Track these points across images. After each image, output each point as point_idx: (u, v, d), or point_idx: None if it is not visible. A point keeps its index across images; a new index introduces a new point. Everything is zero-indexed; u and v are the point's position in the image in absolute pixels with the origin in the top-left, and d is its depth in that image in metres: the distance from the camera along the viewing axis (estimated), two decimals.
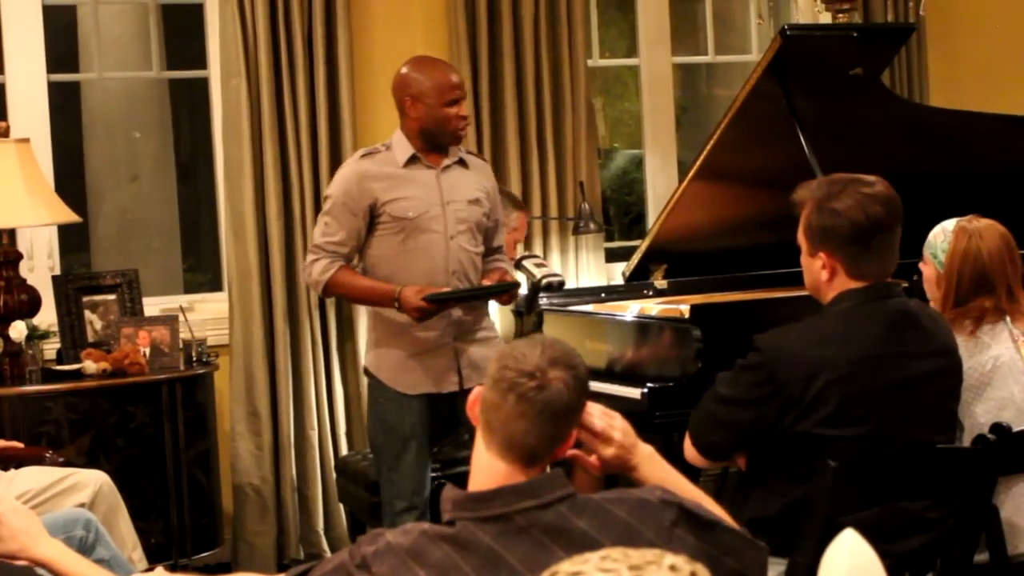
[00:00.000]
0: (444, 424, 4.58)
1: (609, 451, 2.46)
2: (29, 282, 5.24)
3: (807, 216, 3.16)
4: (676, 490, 2.37)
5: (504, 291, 4.42)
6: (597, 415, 2.45)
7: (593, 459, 2.47)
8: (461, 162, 4.47)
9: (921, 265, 3.76)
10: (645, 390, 4.48)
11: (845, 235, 3.10)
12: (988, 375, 3.51)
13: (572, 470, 2.33)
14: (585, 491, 2.30)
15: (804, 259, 3.21)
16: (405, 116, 4.42)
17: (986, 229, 3.67)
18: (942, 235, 3.71)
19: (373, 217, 4.37)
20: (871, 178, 3.15)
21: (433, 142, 4.40)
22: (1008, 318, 3.59)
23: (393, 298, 4.31)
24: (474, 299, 4.42)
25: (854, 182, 3.12)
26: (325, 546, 5.76)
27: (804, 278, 3.24)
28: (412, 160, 4.40)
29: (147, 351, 5.22)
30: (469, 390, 4.42)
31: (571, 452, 2.36)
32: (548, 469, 2.28)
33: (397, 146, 4.42)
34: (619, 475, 2.57)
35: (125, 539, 4.40)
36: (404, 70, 4.46)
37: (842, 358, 3.05)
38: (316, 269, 4.40)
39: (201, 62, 6.03)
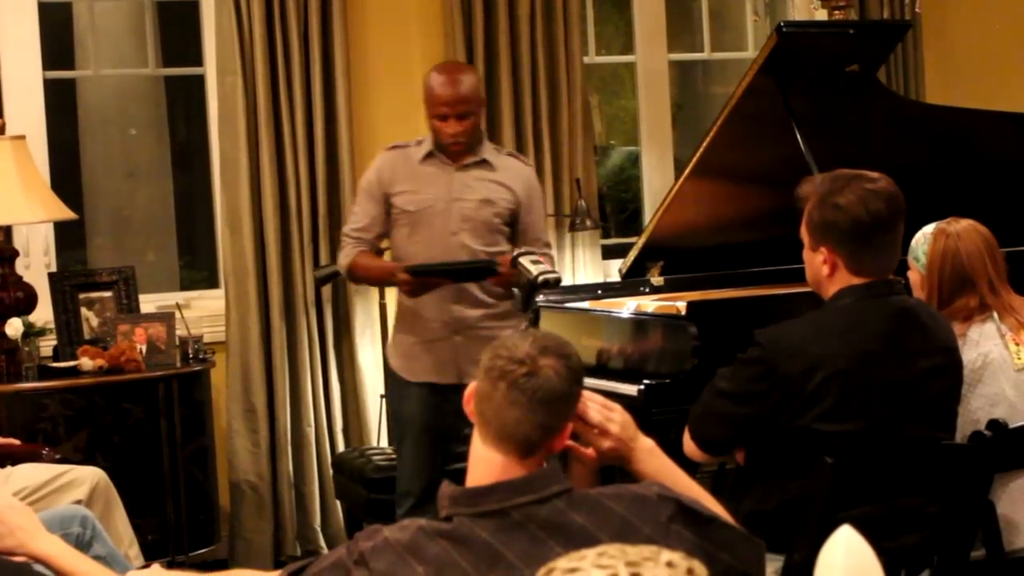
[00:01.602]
0: (455, 418, 4.58)
1: (606, 444, 2.46)
2: (25, 279, 5.24)
3: (810, 211, 3.16)
4: (675, 485, 2.37)
5: (480, 268, 4.42)
6: (596, 407, 2.45)
7: (589, 451, 2.47)
8: (485, 163, 4.54)
9: (909, 272, 3.76)
10: (642, 387, 4.48)
11: (847, 230, 3.10)
12: (979, 372, 3.52)
13: (568, 465, 2.34)
14: (581, 486, 2.30)
15: (806, 254, 3.21)
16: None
17: (964, 230, 3.66)
18: (923, 239, 3.72)
19: (389, 207, 4.54)
20: (874, 174, 3.15)
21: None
22: (995, 314, 3.59)
23: (392, 274, 4.47)
24: (452, 274, 4.43)
25: (857, 178, 3.13)
26: (322, 543, 5.76)
27: (806, 273, 3.24)
28: (429, 156, 4.52)
29: (143, 348, 5.22)
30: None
31: (568, 443, 2.36)
32: (545, 464, 2.28)
33: (425, 141, 4.57)
34: (615, 470, 2.58)
35: (122, 536, 4.40)
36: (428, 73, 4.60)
37: (842, 353, 3.05)
38: (341, 256, 4.63)
39: (197, 59, 6.03)
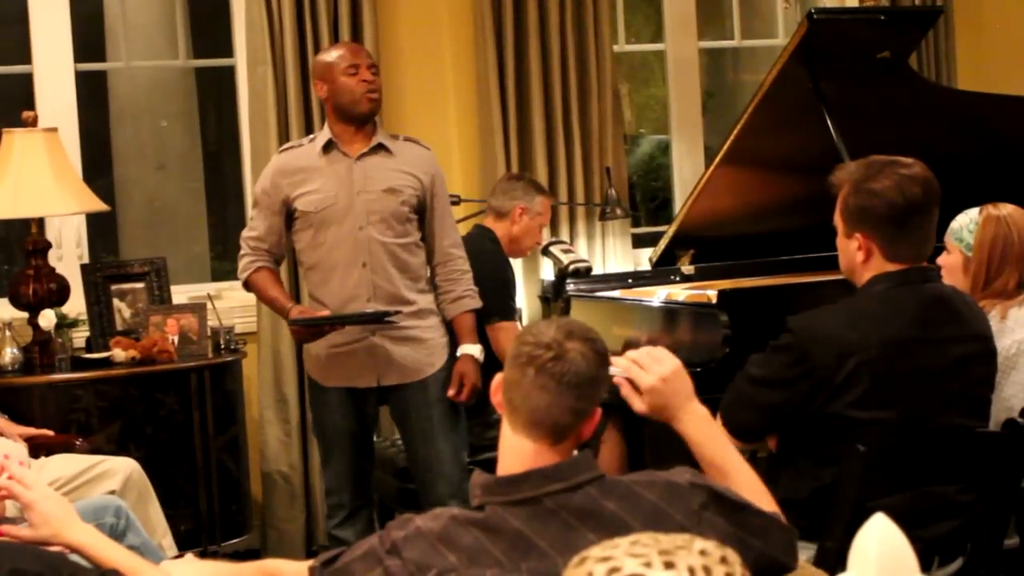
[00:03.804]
0: (373, 421, 4.58)
1: (638, 404, 2.47)
2: (58, 271, 5.26)
3: (844, 197, 3.15)
4: (716, 457, 2.38)
5: (374, 316, 4.30)
6: (641, 355, 2.46)
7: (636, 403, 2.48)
8: (382, 147, 4.40)
9: (944, 254, 3.75)
10: None
11: (882, 216, 3.08)
12: (1013, 359, 3.52)
13: (598, 451, 2.36)
14: (611, 472, 2.31)
15: (840, 240, 3.19)
16: (324, 102, 4.48)
17: (1013, 214, 3.70)
18: (968, 220, 3.72)
19: (290, 213, 4.41)
20: (909, 160, 3.13)
21: (349, 117, 4.36)
22: None
23: (284, 314, 4.39)
24: (350, 324, 4.32)
25: (892, 164, 3.11)
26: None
27: (839, 260, 3.23)
28: (329, 147, 4.38)
29: (175, 339, 5.24)
30: (386, 388, 4.38)
31: (616, 379, 2.39)
32: (576, 452, 2.28)
33: (320, 135, 4.45)
34: (644, 457, 2.58)
35: (155, 526, 4.43)
36: (314, 59, 4.60)
37: (875, 340, 3.04)
38: (240, 265, 4.51)
39: (228, 50, 6.04)
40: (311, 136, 4.58)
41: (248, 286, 4.53)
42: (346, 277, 4.34)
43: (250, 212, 4.55)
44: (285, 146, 4.60)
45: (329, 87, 4.38)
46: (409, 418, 4.44)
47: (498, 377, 2.31)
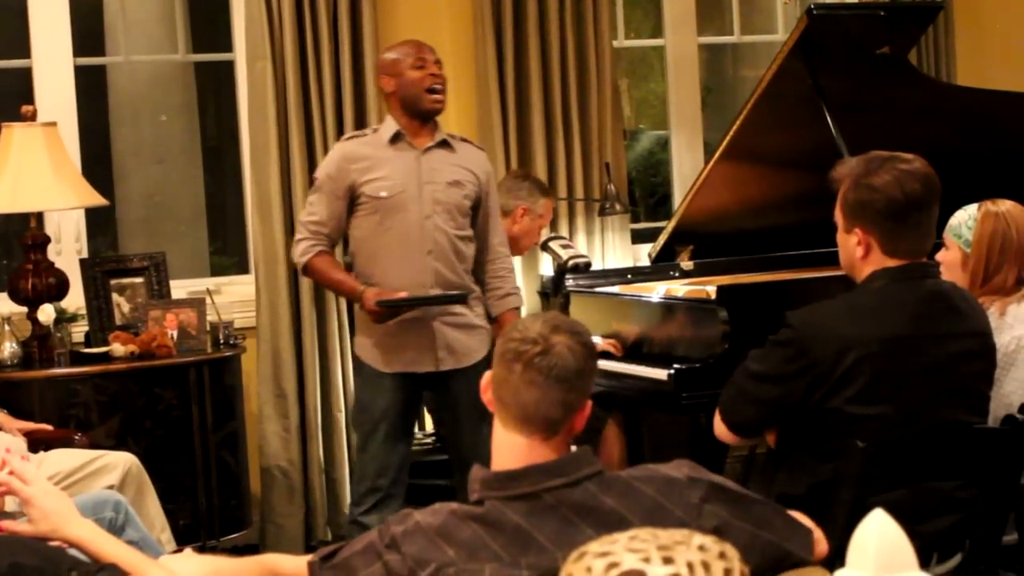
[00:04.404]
0: (419, 406, 4.75)
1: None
2: (57, 265, 5.26)
3: (844, 192, 3.15)
4: None
5: (453, 298, 4.48)
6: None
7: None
8: (445, 144, 4.56)
9: (943, 251, 3.75)
10: (672, 371, 4.47)
11: (881, 211, 3.09)
12: (1012, 355, 3.52)
13: (597, 447, 2.36)
14: (611, 467, 2.31)
15: (840, 236, 3.20)
16: (387, 98, 4.61)
17: (1012, 210, 3.70)
18: (966, 217, 3.72)
19: (354, 198, 4.51)
20: (910, 156, 3.14)
21: (415, 112, 4.51)
22: None
23: (357, 296, 4.47)
24: (427, 305, 4.47)
25: (892, 159, 3.12)
26: None
27: (839, 255, 3.23)
28: (396, 138, 4.52)
29: (174, 334, 5.23)
30: (445, 372, 4.47)
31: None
32: (572, 448, 2.29)
33: (385, 127, 4.57)
34: (644, 452, 2.58)
35: (154, 521, 4.42)
36: (379, 57, 4.71)
37: (874, 335, 3.04)
38: (298, 249, 4.59)
39: (227, 45, 6.03)
40: (374, 127, 4.72)
41: (307, 270, 4.62)
42: (410, 263, 4.47)
43: (309, 197, 4.65)
44: (349, 134, 4.75)
45: (396, 81, 4.51)
46: (460, 403, 4.55)
47: (487, 375, 2.32)
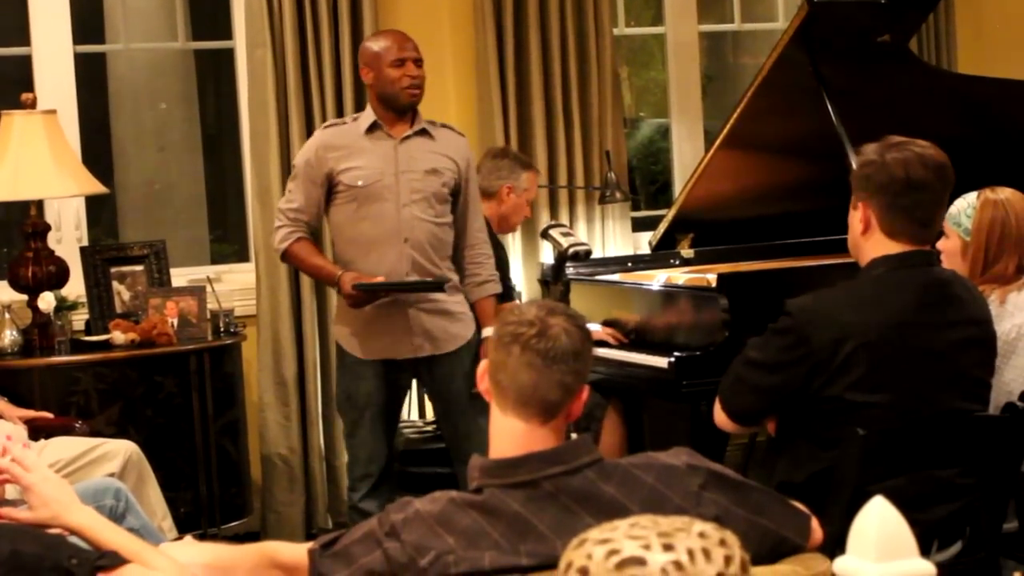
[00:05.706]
0: (404, 393, 4.76)
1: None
2: (57, 253, 5.25)
3: (856, 168, 3.17)
4: None
5: (434, 288, 4.49)
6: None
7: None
8: (424, 132, 4.57)
9: (943, 239, 3.74)
10: (672, 359, 4.48)
11: (881, 184, 3.09)
12: (1013, 343, 3.52)
13: (598, 435, 2.36)
14: (611, 455, 2.31)
15: (850, 214, 3.20)
16: (368, 87, 4.63)
17: (1011, 198, 3.70)
18: (965, 205, 3.72)
19: (332, 186, 4.53)
20: (926, 143, 3.14)
21: (391, 107, 4.53)
22: None
23: (335, 280, 4.49)
24: (404, 292, 4.49)
25: (910, 142, 3.13)
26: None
27: (848, 236, 3.23)
28: (373, 128, 4.54)
29: (175, 322, 5.24)
30: (427, 359, 4.49)
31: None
32: (572, 436, 2.29)
33: (363, 116, 4.60)
34: (644, 440, 2.58)
35: (154, 508, 4.43)
36: (362, 44, 4.73)
37: (873, 323, 3.04)
38: (278, 236, 4.62)
39: (227, 32, 6.03)
40: (353, 116, 4.72)
41: (287, 256, 4.65)
42: (387, 252, 4.49)
43: (288, 184, 4.68)
44: (329, 123, 4.76)
45: (375, 75, 4.54)
46: (445, 389, 4.60)
47: (483, 364, 2.32)
